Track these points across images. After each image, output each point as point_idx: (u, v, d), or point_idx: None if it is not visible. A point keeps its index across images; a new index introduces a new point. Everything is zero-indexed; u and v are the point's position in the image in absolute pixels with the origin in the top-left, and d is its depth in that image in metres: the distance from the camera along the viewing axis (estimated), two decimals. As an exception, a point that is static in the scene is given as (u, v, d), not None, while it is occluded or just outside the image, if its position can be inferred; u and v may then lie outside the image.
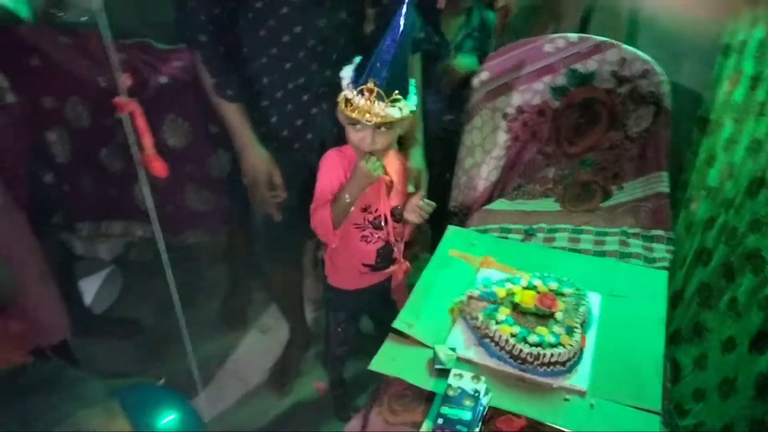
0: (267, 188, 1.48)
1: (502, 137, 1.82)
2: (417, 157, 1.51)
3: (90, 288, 2.21)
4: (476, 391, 1.05)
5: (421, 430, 1.06)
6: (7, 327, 1.08)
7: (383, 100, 1.25)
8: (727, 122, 1.66)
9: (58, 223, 1.95)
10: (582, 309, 1.26)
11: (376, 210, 1.44)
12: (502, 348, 1.20)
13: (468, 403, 1.03)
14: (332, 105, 1.41)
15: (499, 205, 1.78)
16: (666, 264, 1.51)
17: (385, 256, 1.52)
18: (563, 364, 1.17)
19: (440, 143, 2.03)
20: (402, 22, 1.23)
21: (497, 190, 1.85)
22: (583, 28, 2.03)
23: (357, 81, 1.27)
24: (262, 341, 2.18)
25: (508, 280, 1.35)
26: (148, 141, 0.97)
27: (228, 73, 1.44)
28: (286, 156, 1.51)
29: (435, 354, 1.19)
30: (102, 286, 2.27)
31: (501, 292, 1.30)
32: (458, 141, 1.90)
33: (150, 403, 0.95)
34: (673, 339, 1.71)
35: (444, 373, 1.16)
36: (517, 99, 1.80)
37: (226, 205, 2.02)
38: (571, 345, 1.17)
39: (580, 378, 1.17)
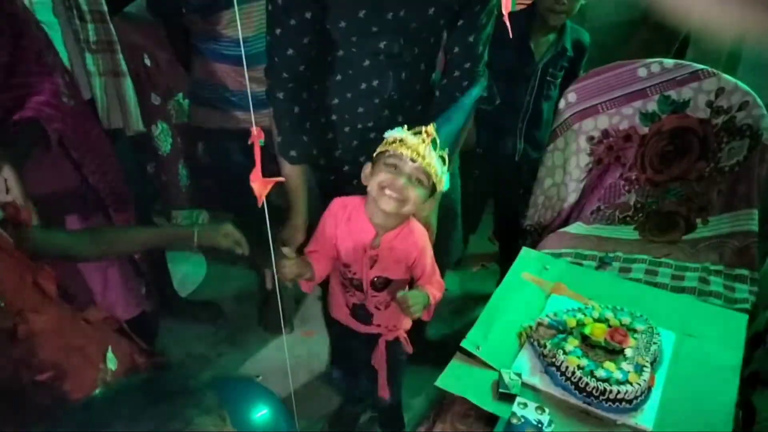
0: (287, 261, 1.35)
1: (585, 160, 1.81)
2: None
3: (177, 272, 2.37)
4: (539, 422, 1.08)
5: (482, 452, 1.10)
6: (87, 318, 1.18)
7: (435, 149, 1.22)
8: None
9: (157, 210, 2.12)
10: (653, 348, 1.25)
11: (355, 273, 1.40)
12: (568, 378, 1.21)
13: (530, 433, 1.06)
14: None
15: (576, 228, 1.77)
16: (747, 306, 1.47)
17: (361, 313, 1.47)
18: (629, 401, 1.17)
19: (513, 161, 2.03)
20: (470, 102, 1.26)
21: (575, 213, 1.84)
22: (679, 54, 1.97)
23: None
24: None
25: (579, 309, 1.35)
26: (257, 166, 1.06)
27: (295, 133, 1.40)
28: (346, 189, 1.52)
29: (500, 377, 1.22)
30: (188, 270, 2.44)
31: (571, 322, 1.31)
32: (528, 160, 1.92)
33: (246, 398, 1.04)
34: (750, 381, 1.65)
35: (507, 397, 1.18)
36: (603, 122, 1.78)
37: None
38: (639, 384, 1.17)
39: (645, 417, 1.16)
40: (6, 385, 0.96)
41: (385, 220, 1.32)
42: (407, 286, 1.43)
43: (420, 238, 1.37)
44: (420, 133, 1.23)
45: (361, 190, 1.35)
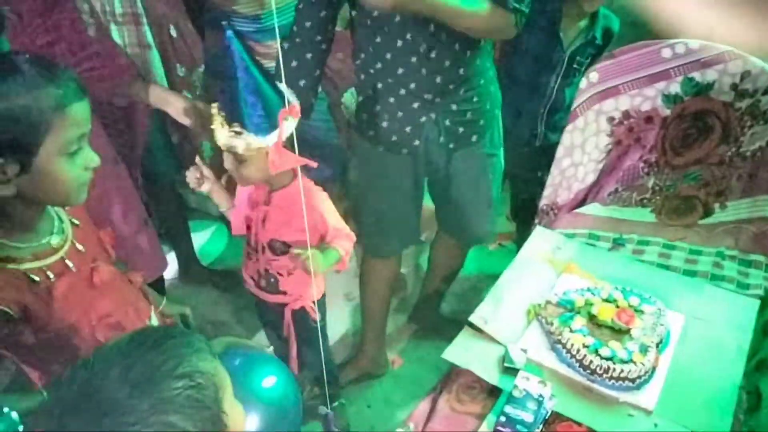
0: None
1: (604, 141, 1.80)
2: None
3: (199, 240, 2.43)
4: (541, 396, 1.11)
5: (483, 422, 1.13)
6: (131, 279, 1.25)
7: (226, 129, 1.27)
8: None
9: (180, 181, 2.17)
10: (660, 329, 1.27)
11: (255, 233, 1.43)
12: (573, 356, 1.23)
13: (531, 406, 1.09)
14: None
15: (592, 209, 1.77)
16: (760, 292, 1.47)
17: (265, 282, 1.49)
18: (632, 380, 1.19)
19: (533, 144, 2.03)
20: (239, 57, 1.23)
21: (592, 194, 1.83)
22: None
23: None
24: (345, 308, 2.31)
25: (588, 289, 1.37)
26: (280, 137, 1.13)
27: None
28: (393, 160, 1.57)
29: (506, 352, 1.25)
30: (210, 239, 2.50)
31: (579, 301, 1.33)
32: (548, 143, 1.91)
33: (254, 365, 1.08)
34: (759, 367, 1.65)
35: (513, 371, 1.22)
36: (625, 103, 1.76)
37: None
38: (643, 363, 1.19)
39: (648, 397, 1.19)
40: (77, 326, 1.03)
41: (268, 177, 1.35)
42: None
43: (311, 200, 1.38)
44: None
45: None
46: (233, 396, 0.70)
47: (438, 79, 1.42)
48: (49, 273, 0.95)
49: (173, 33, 1.92)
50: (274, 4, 1.70)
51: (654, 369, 1.23)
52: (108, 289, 1.09)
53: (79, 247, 1.04)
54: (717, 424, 1.14)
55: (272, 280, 1.48)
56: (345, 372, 1.99)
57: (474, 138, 1.57)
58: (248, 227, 1.46)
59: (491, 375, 1.23)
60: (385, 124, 1.52)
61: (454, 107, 1.50)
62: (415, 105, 1.47)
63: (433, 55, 1.40)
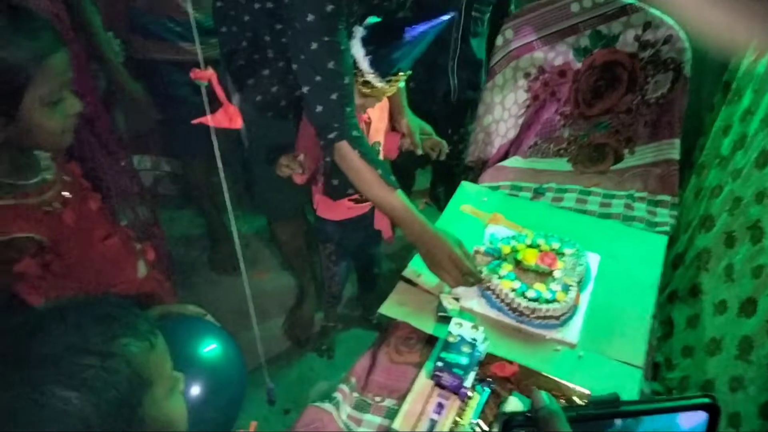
0: None
1: (522, 96, 1.86)
2: None
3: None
4: (474, 339, 1.16)
5: (422, 370, 1.18)
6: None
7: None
8: (747, 93, 1.68)
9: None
10: (579, 268, 1.35)
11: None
12: (502, 300, 1.30)
13: (466, 349, 1.14)
14: None
15: (513, 162, 1.84)
16: (667, 229, 1.58)
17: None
18: (557, 318, 1.27)
19: (448, 100, 2.06)
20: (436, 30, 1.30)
21: (513, 148, 1.90)
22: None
23: (381, 66, 1.31)
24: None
25: (513, 237, 1.43)
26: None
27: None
28: (281, 124, 1.56)
29: (439, 302, 1.30)
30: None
31: (506, 249, 1.39)
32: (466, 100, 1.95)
33: (194, 334, 1.07)
34: (670, 298, 1.80)
35: (447, 320, 1.27)
36: (539, 58, 1.82)
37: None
38: (566, 301, 1.27)
39: (571, 332, 1.27)
40: (90, 249, 1.12)
41: None
42: None
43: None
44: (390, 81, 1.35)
45: None
46: (170, 395, 0.70)
47: None
48: (55, 204, 1.04)
49: None
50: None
51: (576, 306, 1.31)
52: (102, 213, 1.18)
53: (66, 178, 1.10)
54: (633, 350, 1.23)
55: None
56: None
57: None
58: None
59: (427, 325, 1.28)
60: (275, 89, 1.50)
61: None
62: None
63: None
